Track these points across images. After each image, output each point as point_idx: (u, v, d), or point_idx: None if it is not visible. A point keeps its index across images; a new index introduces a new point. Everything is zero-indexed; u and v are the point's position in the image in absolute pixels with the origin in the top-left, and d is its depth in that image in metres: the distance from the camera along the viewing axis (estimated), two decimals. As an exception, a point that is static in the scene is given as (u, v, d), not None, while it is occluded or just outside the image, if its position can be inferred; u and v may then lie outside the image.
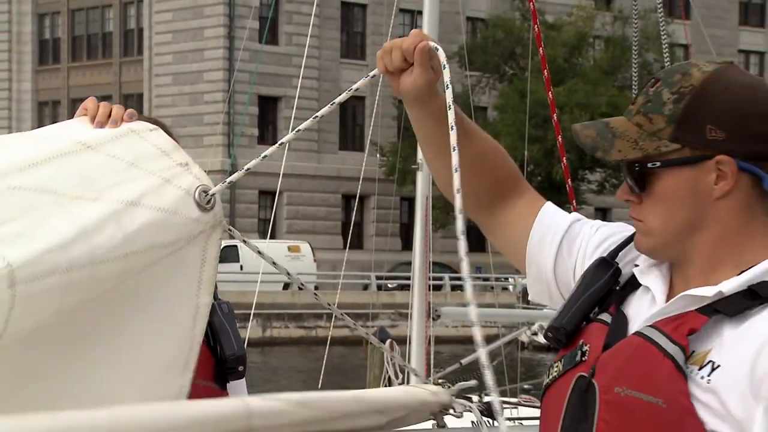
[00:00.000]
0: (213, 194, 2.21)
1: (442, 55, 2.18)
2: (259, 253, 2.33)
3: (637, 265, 2.13)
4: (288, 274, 2.37)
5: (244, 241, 2.35)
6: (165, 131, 2.55)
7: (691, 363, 1.92)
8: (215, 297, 2.79)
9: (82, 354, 2.12)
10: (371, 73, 2.26)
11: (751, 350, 1.89)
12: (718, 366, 1.91)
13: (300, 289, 2.37)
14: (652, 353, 1.94)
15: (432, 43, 2.19)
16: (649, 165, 2.02)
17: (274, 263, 2.40)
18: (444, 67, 2.17)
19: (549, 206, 2.33)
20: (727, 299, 1.95)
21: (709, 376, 1.91)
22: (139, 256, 2.11)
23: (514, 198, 2.33)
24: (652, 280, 2.08)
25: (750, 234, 2.01)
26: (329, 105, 2.22)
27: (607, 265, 2.13)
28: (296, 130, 2.29)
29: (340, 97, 2.28)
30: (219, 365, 2.76)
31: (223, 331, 2.78)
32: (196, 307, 2.24)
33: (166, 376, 2.22)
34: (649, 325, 1.98)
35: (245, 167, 2.29)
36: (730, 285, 1.96)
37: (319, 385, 10.78)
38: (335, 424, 2.13)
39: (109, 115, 2.27)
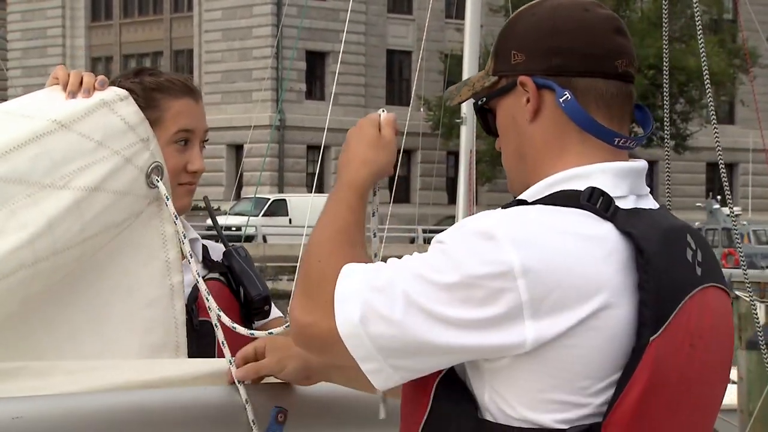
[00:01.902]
0: (162, 172, 2.30)
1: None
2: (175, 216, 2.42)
3: None
4: (224, 242, 2.45)
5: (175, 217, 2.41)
6: (184, 85, 2.65)
7: None
8: (225, 245, 2.86)
9: (68, 345, 2.21)
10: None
11: None
12: None
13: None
14: None
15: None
16: (479, 102, 2.03)
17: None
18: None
19: None
20: None
21: None
22: (94, 239, 2.20)
23: None
24: None
25: (562, 152, 1.96)
26: None
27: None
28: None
29: None
30: (244, 307, 2.79)
31: (245, 274, 2.80)
32: (170, 287, 2.31)
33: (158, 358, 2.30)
34: None
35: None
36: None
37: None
38: None
39: (81, 84, 2.29)
